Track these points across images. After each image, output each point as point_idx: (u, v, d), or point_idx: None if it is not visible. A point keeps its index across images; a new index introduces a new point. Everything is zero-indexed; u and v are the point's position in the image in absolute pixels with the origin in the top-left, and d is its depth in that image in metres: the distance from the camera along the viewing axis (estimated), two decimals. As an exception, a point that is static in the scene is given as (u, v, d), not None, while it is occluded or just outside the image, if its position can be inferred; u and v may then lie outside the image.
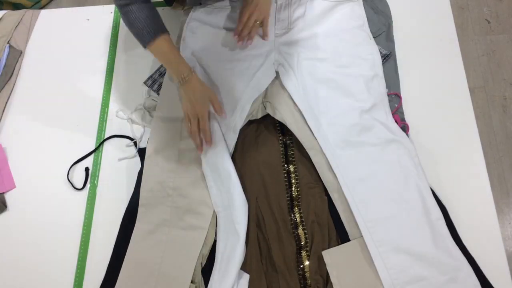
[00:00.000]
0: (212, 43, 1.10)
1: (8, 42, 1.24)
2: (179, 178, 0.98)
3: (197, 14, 1.14)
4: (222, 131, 0.99)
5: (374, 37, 1.08)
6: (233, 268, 0.85)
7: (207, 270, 0.90)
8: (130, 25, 0.91)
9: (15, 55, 1.21)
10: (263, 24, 1.06)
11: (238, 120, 1.00)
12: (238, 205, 0.90)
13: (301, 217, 0.93)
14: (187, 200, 0.96)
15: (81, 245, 0.97)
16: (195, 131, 0.94)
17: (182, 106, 0.98)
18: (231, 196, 0.91)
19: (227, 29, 1.12)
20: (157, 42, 0.91)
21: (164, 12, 1.17)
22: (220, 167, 0.94)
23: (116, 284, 0.90)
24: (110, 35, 1.23)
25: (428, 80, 1.06)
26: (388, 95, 1.02)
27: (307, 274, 0.88)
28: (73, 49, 1.22)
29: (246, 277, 0.88)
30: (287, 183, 0.97)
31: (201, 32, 1.12)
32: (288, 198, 0.95)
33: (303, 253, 0.90)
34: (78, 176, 1.05)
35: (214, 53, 1.09)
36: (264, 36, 1.07)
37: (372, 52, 1.05)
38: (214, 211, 0.94)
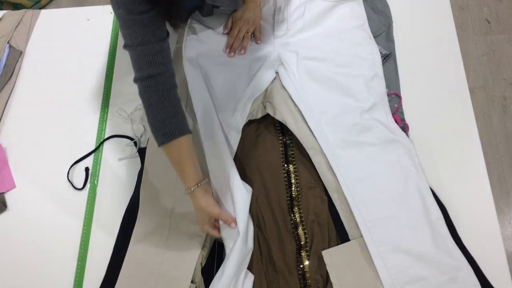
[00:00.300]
0: (213, 45, 1.11)
1: (8, 42, 1.24)
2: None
3: (199, 16, 1.14)
4: (225, 131, 0.99)
5: (374, 37, 1.08)
6: (230, 264, 0.84)
7: (207, 270, 0.90)
8: (147, 117, 0.86)
9: (15, 55, 1.21)
10: (254, 33, 1.08)
11: (240, 120, 1.00)
12: (239, 208, 0.89)
13: (301, 217, 0.93)
14: (187, 199, 0.96)
15: (81, 245, 0.97)
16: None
17: None
18: (232, 195, 0.91)
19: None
20: (170, 146, 0.85)
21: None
22: (221, 168, 0.94)
23: (116, 284, 0.90)
24: (110, 35, 1.23)
25: (428, 80, 1.06)
26: (388, 95, 1.02)
27: (307, 274, 0.88)
28: (73, 49, 1.22)
29: (250, 277, 0.88)
30: (287, 183, 0.97)
31: (202, 34, 1.12)
32: (288, 198, 0.95)
33: (303, 253, 0.90)
34: (78, 176, 1.05)
35: (215, 54, 1.09)
36: (257, 41, 1.09)
37: (372, 52, 1.05)
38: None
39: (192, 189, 0.86)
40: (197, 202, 0.87)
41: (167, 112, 0.84)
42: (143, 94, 0.85)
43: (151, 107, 0.84)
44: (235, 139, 0.99)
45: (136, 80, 0.86)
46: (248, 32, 1.08)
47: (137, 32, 0.82)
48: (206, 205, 0.86)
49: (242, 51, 1.08)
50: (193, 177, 0.87)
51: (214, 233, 0.89)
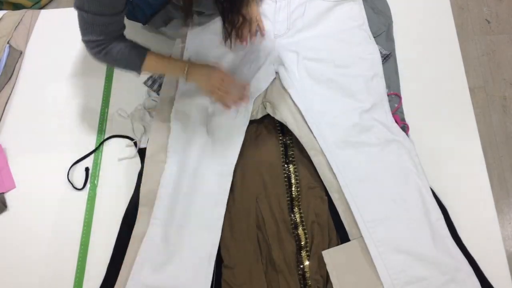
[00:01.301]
0: (213, 47, 1.10)
1: (8, 42, 1.24)
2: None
3: (199, 19, 1.14)
4: (228, 132, 0.99)
5: (374, 37, 1.08)
6: None
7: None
8: (116, 62, 0.92)
9: (15, 55, 1.21)
10: (258, 25, 1.07)
11: (244, 120, 1.00)
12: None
13: (301, 217, 0.93)
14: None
15: (81, 245, 0.97)
16: (226, 97, 0.95)
17: (203, 92, 1.01)
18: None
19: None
20: (147, 63, 0.92)
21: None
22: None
23: (116, 284, 0.90)
24: (110, 35, 1.23)
25: (428, 80, 1.06)
26: (388, 95, 1.01)
27: (307, 274, 0.88)
28: (73, 49, 1.22)
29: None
30: (287, 183, 0.97)
31: (202, 37, 1.12)
32: (288, 198, 0.95)
33: (303, 253, 0.90)
34: (78, 176, 1.05)
35: (215, 56, 1.09)
36: (261, 31, 1.08)
37: (372, 51, 1.05)
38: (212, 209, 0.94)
39: (187, 67, 0.94)
40: (200, 71, 0.95)
41: (124, 45, 0.90)
42: (99, 51, 0.88)
43: (110, 52, 0.88)
44: (238, 140, 0.98)
45: (87, 42, 0.87)
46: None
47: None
48: (210, 66, 0.96)
49: (253, 38, 1.07)
50: (182, 61, 0.98)
51: (226, 97, 0.95)
